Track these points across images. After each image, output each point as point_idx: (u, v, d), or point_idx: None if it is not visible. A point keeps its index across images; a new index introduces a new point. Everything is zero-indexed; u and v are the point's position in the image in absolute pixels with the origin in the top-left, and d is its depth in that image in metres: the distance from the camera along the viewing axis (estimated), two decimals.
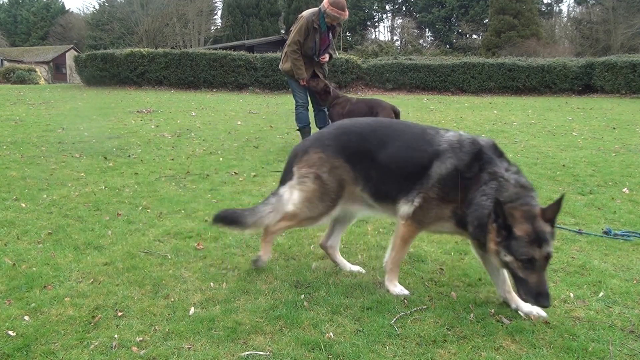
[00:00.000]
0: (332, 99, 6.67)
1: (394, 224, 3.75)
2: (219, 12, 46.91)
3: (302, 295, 2.58)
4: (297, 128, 7.03)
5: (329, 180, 2.66)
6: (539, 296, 2.21)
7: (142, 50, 21.53)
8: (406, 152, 2.59)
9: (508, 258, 2.26)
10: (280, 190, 2.81)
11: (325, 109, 6.80)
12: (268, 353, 2.08)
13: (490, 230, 2.31)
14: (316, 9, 6.55)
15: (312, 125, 6.96)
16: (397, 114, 6.65)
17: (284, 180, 2.83)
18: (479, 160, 2.43)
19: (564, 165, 5.96)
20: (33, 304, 2.45)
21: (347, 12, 6.48)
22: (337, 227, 2.97)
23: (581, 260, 3.10)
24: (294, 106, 6.92)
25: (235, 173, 5.46)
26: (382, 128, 2.71)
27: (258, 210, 2.80)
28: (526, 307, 2.45)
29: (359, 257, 3.13)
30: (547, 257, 2.24)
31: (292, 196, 2.73)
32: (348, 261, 3.03)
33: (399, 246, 2.63)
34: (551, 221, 2.27)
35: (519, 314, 2.44)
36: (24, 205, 4.14)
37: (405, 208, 2.57)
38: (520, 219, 2.24)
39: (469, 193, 2.42)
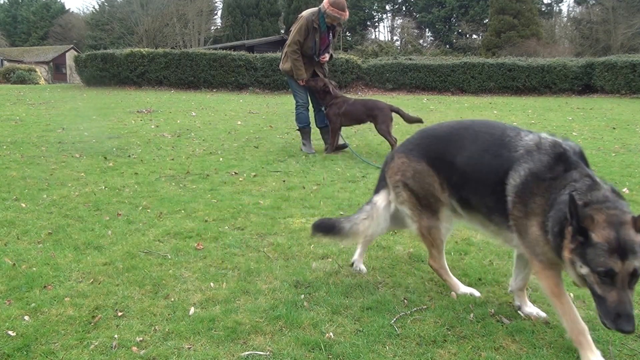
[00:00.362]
0: (330, 99, 6.66)
1: None
2: (219, 12, 46.98)
3: (302, 295, 2.58)
4: (297, 128, 7.03)
5: (415, 186, 2.56)
6: (619, 319, 1.81)
7: (142, 50, 21.53)
8: (480, 158, 2.34)
9: (584, 270, 1.90)
10: (374, 198, 2.78)
11: (323, 109, 6.80)
12: (268, 353, 2.08)
13: (565, 234, 1.95)
14: (316, 8, 6.55)
15: (312, 125, 6.96)
16: (398, 112, 6.64)
17: (377, 188, 2.80)
18: (564, 160, 2.12)
19: None
20: (33, 304, 2.45)
21: (347, 13, 6.47)
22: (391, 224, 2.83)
23: None
24: (294, 106, 6.91)
25: (235, 173, 5.46)
26: (460, 129, 2.52)
27: (352, 218, 2.76)
28: (527, 309, 2.44)
29: None
30: (634, 273, 1.83)
31: (406, 212, 2.65)
32: (345, 263, 3.03)
33: (555, 303, 2.15)
34: None
35: (519, 314, 2.44)
36: (24, 205, 4.14)
37: (508, 233, 2.27)
38: (603, 223, 1.87)
39: (552, 195, 2.08)
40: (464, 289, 2.66)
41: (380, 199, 2.75)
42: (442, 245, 2.64)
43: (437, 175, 2.51)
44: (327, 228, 2.77)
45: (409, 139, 2.73)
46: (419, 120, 6.83)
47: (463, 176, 2.42)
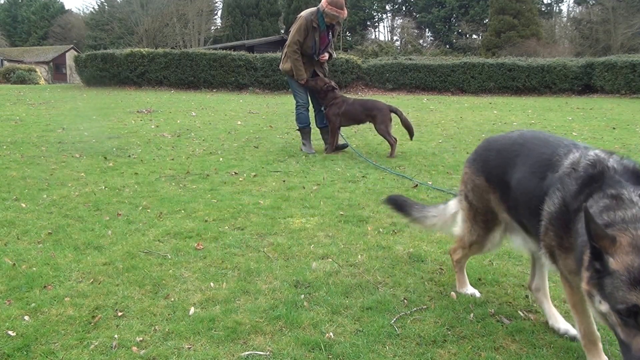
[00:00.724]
0: (330, 99, 6.66)
1: (394, 224, 3.76)
2: (219, 12, 47.00)
3: (302, 295, 2.58)
4: (297, 128, 7.04)
5: (474, 200, 2.42)
6: None
7: (142, 50, 21.54)
8: (527, 180, 2.08)
9: (603, 307, 1.53)
10: (450, 200, 2.77)
11: (323, 109, 6.80)
12: (268, 353, 2.08)
13: (583, 261, 1.63)
14: (315, 8, 6.56)
15: (312, 125, 6.96)
16: (396, 113, 6.64)
17: (459, 191, 2.76)
18: (595, 182, 1.78)
19: None
20: (33, 304, 2.45)
21: (345, 11, 6.48)
22: (538, 263, 2.44)
23: None
24: (295, 106, 6.92)
25: (235, 173, 5.46)
26: (517, 144, 2.24)
27: (425, 209, 2.79)
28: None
29: (359, 257, 3.13)
30: None
31: (459, 219, 2.60)
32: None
33: (572, 312, 2.02)
34: None
35: (519, 314, 2.44)
36: (24, 205, 4.14)
37: (544, 258, 2.07)
38: (626, 247, 1.49)
39: (577, 227, 1.76)
40: (468, 289, 2.65)
41: (453, 204, 2.73)
42: (474, 254, 2.60)
43: (494, 192, 2.31)
44: (398, 206, 2.86)
45: (477, 147, 2.54)
46: (411, 133, 6.72)
47: (515, 200, 2.17)
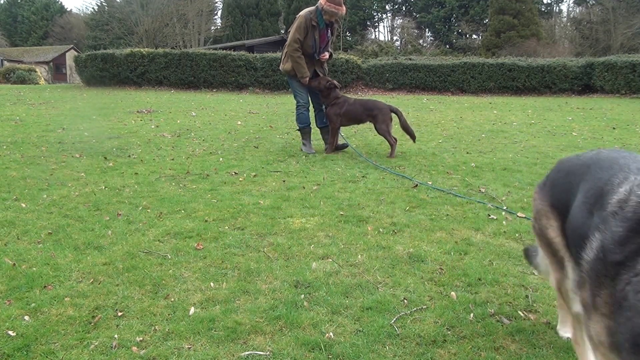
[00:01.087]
0: (332, 98, 6.66)
1: (394, 224, 3.76)
2: (219, 12, 47.03)
3: (302, 295, 2.58)
4: (298, 128, 7.03)
5: (539, 232, 1.99)
6: None
7: (142, 50, 21.54)
8: (578, 212, 1.62)
9: None
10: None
11: (324, 108, 6.80)
12: (268, 353, 2.08)
13: None
14: (313, 7, 6.57)
15: (313, 125, 6.96)
16: (397, 114, 6.64)
17: None
18: None
19: None
20: (33, 304, 2.45)
21: (344, 8, 6.49)
22: None
23: None
24: (295, 106, 6.92)
25: (235, 173, 5.46)
26: (585, 166, 1.77)
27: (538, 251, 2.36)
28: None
29: (359, 257, 3.13)
30: None
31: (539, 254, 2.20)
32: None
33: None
34: None
35: (519, 314, 2.44)
36: (24, 205, 4.14)
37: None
38: None
39: (618, 289, 1.29)
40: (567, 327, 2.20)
41: None
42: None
43: (557, 221, 1.87)
44: (526, 257, 2.49)
45: (550, 170, 2.10)
46: (412, 135, 6.72)
47: (569, 236, 1.75)
